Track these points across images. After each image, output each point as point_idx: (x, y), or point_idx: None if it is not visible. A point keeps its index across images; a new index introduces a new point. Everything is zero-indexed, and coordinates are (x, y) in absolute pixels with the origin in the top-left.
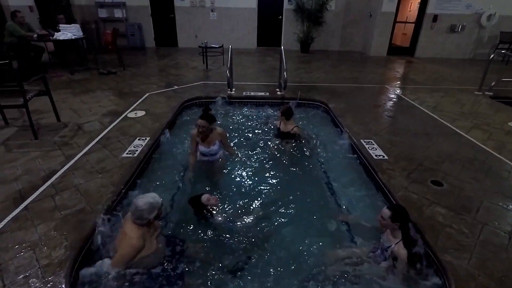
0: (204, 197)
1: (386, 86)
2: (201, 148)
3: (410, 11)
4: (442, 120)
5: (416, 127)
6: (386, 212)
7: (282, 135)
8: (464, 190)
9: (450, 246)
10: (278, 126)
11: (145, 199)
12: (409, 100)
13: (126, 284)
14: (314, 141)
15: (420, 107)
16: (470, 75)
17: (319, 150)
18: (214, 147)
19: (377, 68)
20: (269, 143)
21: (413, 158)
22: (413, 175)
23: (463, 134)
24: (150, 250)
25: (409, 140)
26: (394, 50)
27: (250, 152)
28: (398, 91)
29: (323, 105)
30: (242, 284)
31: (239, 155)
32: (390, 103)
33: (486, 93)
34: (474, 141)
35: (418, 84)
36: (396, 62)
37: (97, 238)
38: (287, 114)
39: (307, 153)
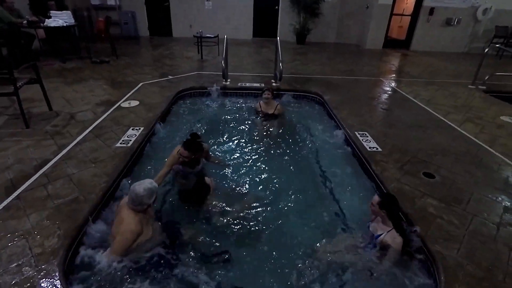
0: (208, 179)
1: (382, 79)
2: (184, 169)
3: (406, 3)
4: (436, 113)
5: (410, 119)
6: (375, 198)
7: (266, 117)
8: (455, 182)
9: (440, 237)
10: (260, 109)
11: (143, 185)
12: (404, 93)
13: (122, 273)
14: (306, 134)
15: (415, 100)
16: (465, 69)
17: (312, 141)
18: (198, 167)
19: (373, 61)
20: (256, 128)
21: (407, 150)
22: (406, 167)
23: (456, 127)
24: (147, 237)
25: (403, 132)
26: (390, 43)
27: (241, 142)
28: (393, 84)
29: (318, 97)
30: (233, 271)
31: (227, 162)
32: (385, 96)
33: (480, 87)
34: (467, 134)
35: (413, 77)
36: (391, 55)
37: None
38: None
39: (299, 140)
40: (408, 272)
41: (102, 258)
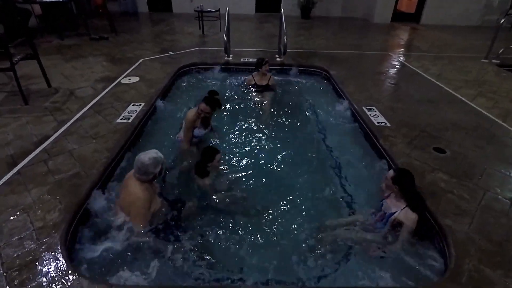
0: (218, 156)
1: (390, 53)
2: (197, 131)
3: None
4: (446, 88)
5: (420, 94)
6: (390, 172)
7: (260, 89)
8: (467, 157)
9: (451, 211)
10: (253, 82)
11: (149, 154)
12: (413, 68)
13: (123, 248)
14: (311, 109)
15: (424, 74)
16: (477, 43)
17: (317, 117)
18: (209, 128)
19: (381, 35)
20: (252, 101)
21: (416, 125)
22: (416, 142)
23: (468, 102)
24: (157, 206)
25: (412, 107)
26: (399, 17)
27: (243, 117)
28: (401, 58)
29: (323, 72)
30: (239, 248)
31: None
32: (393, 71)
33: (493, 61)
34: (479, 109)
35: (423, 52)
36: (400, 29)
37: None
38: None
39: (303, 115)
40: (416, 247)
41: (123, 234)
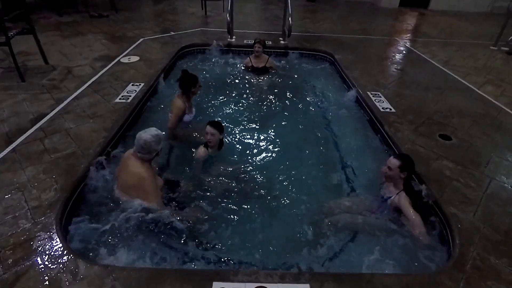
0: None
1: (396, 38)
2: (187, 117)
3: None
4: (454, 75)
5: (426, 81)
6: (394, 162)
7: (257, 71)
8: (473, 145)
9: (456, 199)
10: (250, 64)
11: (150, 132)
12: (420, 54)
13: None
14: (315, 94)
15: (431, 60)
16: (487, 30)
17: (321, 101)
18: (194, 113)
19: (388, 20)
20: (249, 83)
21: (422, 112)
22: (421, 129)
23: (475, 89)
24: (160, 184)
25: (418, 93)
26: (407, 1)
27: (244, 100)
28: (408, 44)
29: (328, 56)
30: (239, 230)
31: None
32: (399, 56)
33: (503, 48)
34: (486, 96)
35: (430, 38)
36: (408, 14)
37: None
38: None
39: (307, 99)
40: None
41: (123, 215)
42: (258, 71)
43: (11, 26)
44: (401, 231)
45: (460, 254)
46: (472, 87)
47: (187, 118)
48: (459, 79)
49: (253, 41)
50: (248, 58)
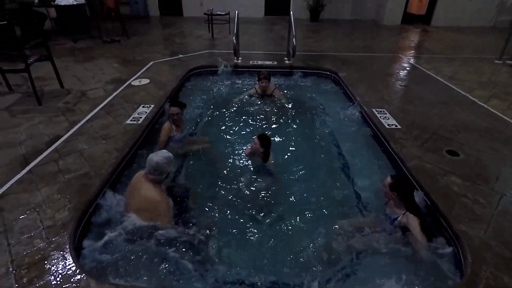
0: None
1: (400, 55)
2: (176, 136)
3: None
4: (459, 90)
5: (431, 96)
6: (387, 180)
7: (264, 98)
8: (481, 160)
9: (465, 216)
10: (256, 95)
11: (161, 154)
12: (424, 70)
13: (130, 247)
14: (321, 112)
15: (436, 76)
16: (491, 44)
17: (327, 119)
18: (186, 130)
19: (391, 37)
20: (257, 109)
21: (428, 128)
22: (427, 145)
23: (481, 103)
24: (171, 205)
25: (423, 109)
26: (409, 19)
27: (249, 121)
28: (412, 60)
29: (333, 74)
30: (245, 251)
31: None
32: (404, 73)
33: (508, 62)
34: (493, 110)
35: (434, 53)
36: (411, 30)
37: None
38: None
39: (312, 118)
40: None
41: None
42: (265, 97)
43: (30, 54)
44: (412, 251)
45: (473, 272)
46: (478, 101)
47: (177, 137)
48: (465, 93)
49: (258, 62)
50: (254, 88)
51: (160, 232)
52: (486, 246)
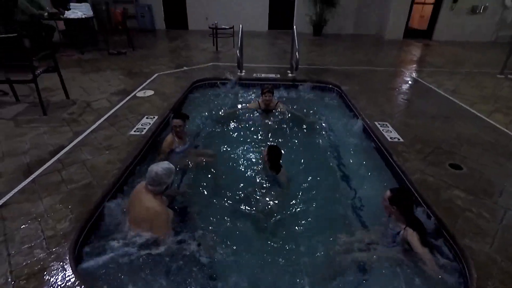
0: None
1: (402, 69)
2: (178, 149)
3: None
4: (461, 103)
5: (434, 110)
6: (387, 193)
7: (266, 112)
8: (484, 174)
9: (469, 230)
10: (259, 109)
11: (161, 165)
12: (426, 83)
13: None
14: (323, 125)
15: (438, 90)
16: (492, 58)
17: (329, 132)
18: (188, 143)
19: (393, 51)
20: (259, 123)
21: (430, 141)
22: (430, 158)
23: (484, 117)
24: (171, 216)
25: (426, 123)
26: (411, 33)
27: (251, 135)
28: (414, 74)
29: (335, 88)
30: (249, 261)
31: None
32: (406, 86)
33: (509, 76)
34: (496, 124)
35: (436, 67)
36: (412, 45)
37: None
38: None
39: (315, 131)
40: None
41: (136, 247)
42: (268, 112)
43: (38, 64)
44: (416, 265)
45: None
46: (481, 115)
47: (179, 149)
48: (467, 107)
49: (261, 75)
50: (257, 101)
51: (160, 243)
52: (491, 261)
